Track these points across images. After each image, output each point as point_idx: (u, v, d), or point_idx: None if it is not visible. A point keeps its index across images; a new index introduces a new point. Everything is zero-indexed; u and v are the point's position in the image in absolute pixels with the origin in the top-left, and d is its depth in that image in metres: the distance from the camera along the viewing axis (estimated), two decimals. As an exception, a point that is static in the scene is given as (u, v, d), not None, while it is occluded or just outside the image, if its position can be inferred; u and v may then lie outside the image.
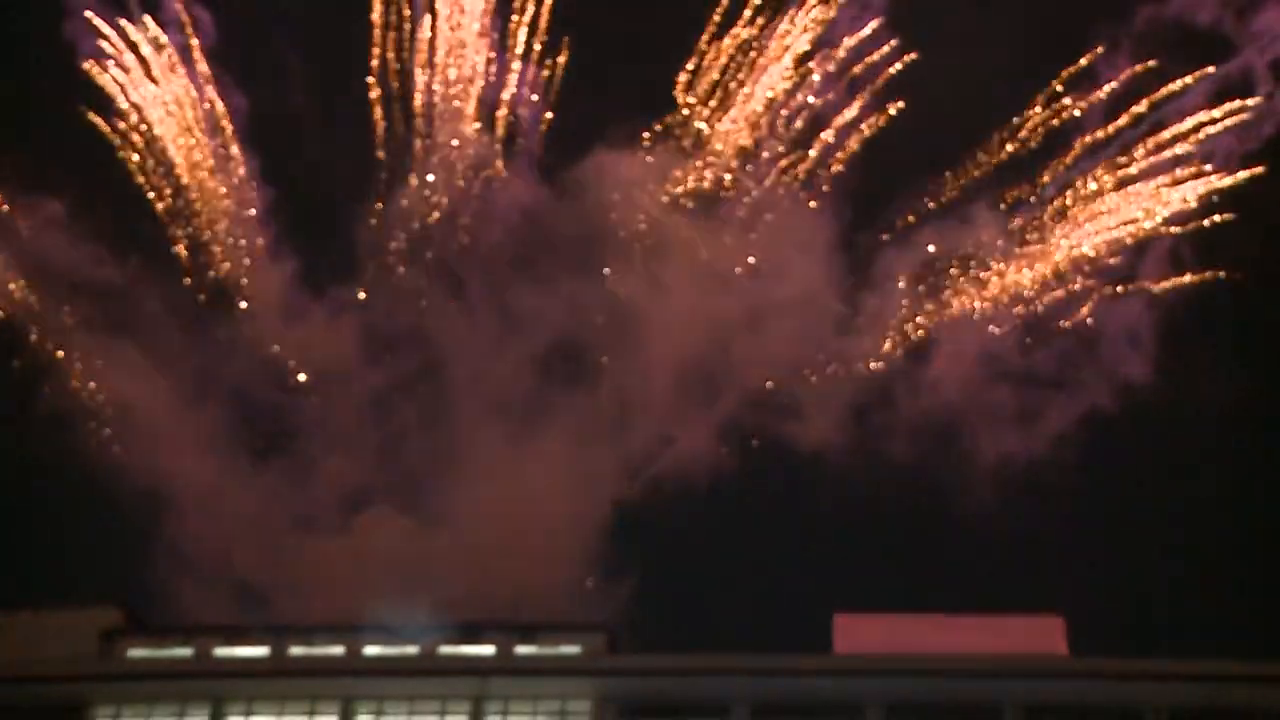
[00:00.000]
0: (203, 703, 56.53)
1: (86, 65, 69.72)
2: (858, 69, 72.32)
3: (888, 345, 72.42)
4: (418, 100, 72.22)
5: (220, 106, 72.26)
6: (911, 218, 72.90)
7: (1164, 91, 70.71)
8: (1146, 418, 72.82)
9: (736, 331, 74.40)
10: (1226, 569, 72.69)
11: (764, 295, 73.91)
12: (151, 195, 71.75)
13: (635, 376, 74.12)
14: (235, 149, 72.72)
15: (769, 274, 74.08)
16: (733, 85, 72.38)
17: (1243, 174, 70.15)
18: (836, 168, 73.00)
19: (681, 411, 74.34)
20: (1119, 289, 71.88)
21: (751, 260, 73.80)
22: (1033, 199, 72.60)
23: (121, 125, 70.89)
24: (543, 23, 71.95)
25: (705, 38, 71.85)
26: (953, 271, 72.51)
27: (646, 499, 71.95)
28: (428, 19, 71.84)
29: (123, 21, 70.65)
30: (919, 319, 72.27)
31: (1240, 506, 74.05)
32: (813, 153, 73.00)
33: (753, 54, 72.22)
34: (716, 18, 71.82)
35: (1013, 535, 72.18)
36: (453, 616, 61.72)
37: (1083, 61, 71.51)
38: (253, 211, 72.78)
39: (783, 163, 73.10)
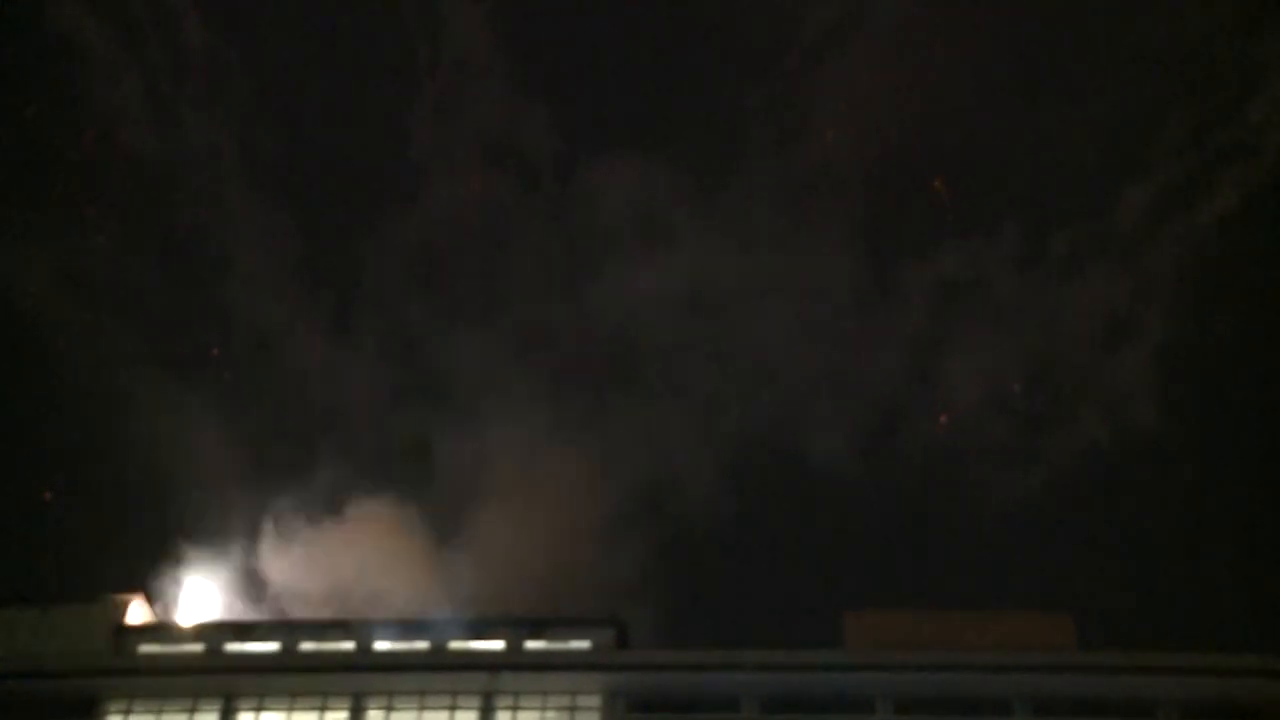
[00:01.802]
0: (214, 698, 56.54)
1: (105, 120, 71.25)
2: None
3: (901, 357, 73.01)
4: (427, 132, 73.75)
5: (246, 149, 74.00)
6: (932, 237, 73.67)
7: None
8: (1157, 415, 73.06)
9: (753, 338, 74.96)
10: (1236, 563, 72.80)
11: (781, 303, 74.53)
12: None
13: (651, 381, 74.37)
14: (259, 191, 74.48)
15: (787, 281, 74.67)
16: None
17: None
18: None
19: (695, 414, 74.68)
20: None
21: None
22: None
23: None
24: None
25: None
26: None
27: (659, 498, 72.09)
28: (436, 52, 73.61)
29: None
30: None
31: (1250, 501, 74.09)
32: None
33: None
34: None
35: (1022, 532, 72.42)
36: (463, 612, 61.97)
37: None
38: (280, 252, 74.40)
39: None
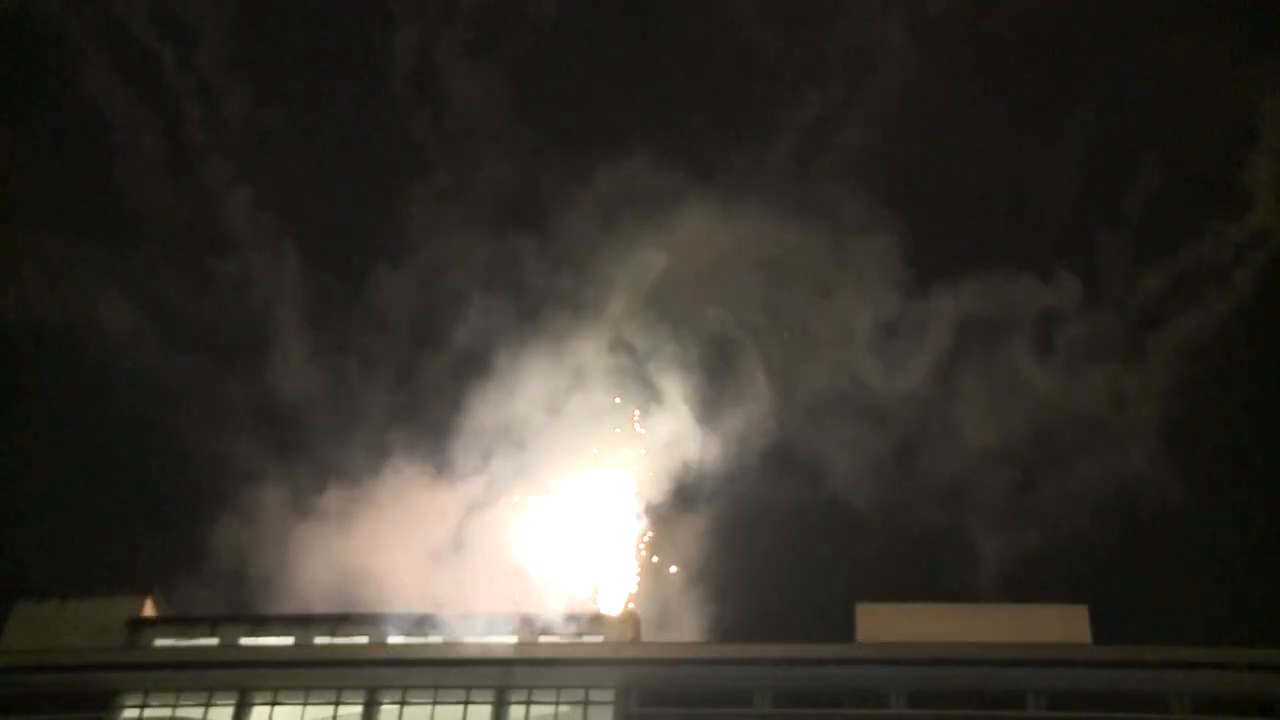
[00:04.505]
0: (229, 692, 56.79)
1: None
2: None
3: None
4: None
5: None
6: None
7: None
8: (1170, 405, 72.96)
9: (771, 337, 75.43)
10: (1249, 556, 72.59)
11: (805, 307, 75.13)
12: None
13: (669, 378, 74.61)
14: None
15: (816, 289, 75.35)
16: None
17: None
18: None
19: (707, 410, 74.82)
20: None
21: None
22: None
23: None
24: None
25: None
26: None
27: (674, 491, 72.12)
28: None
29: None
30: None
31: (1263, 491, 73.87)
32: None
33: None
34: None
35: (1036, 524, 72.31)
36: (477, 607, 62.01)
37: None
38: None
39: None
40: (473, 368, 72.37)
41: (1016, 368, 74.45)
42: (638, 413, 71.62)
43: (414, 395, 74.24)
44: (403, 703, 56.33)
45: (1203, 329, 72.58)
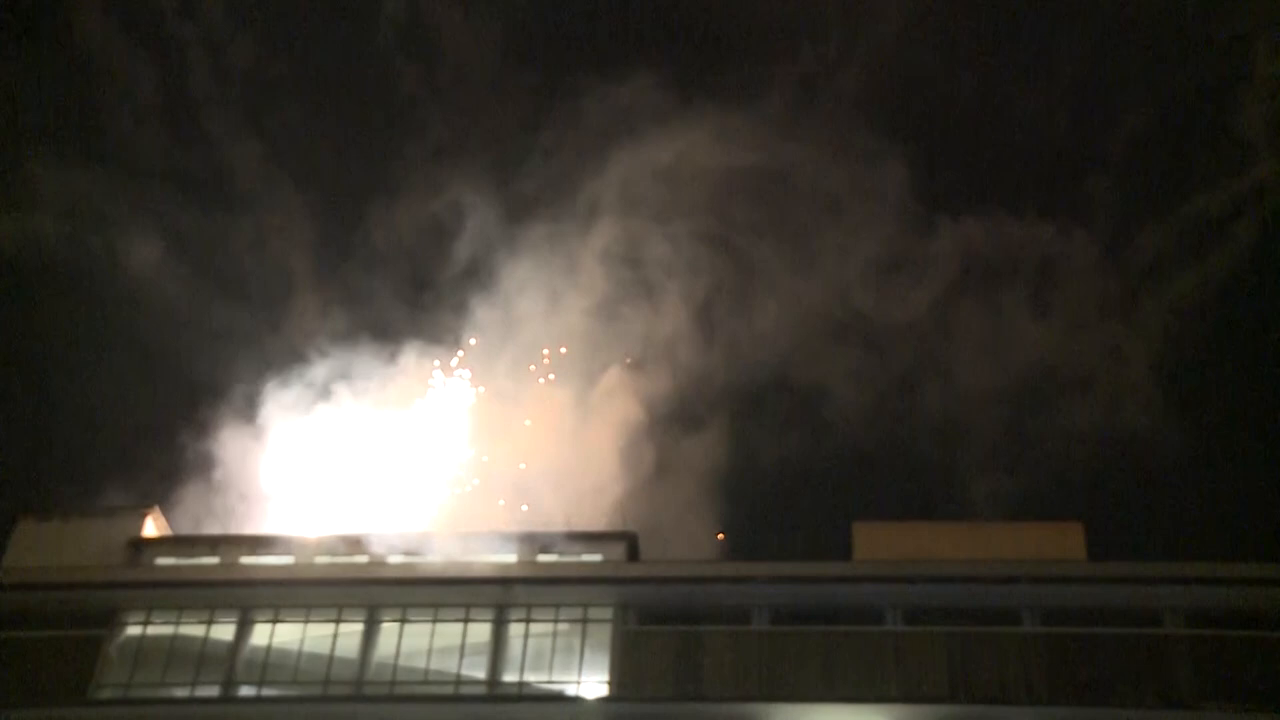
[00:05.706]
0: (231, 610, 57.14)
1: None
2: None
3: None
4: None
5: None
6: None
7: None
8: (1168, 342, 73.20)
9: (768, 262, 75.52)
10: (1247, 470, 72.76)
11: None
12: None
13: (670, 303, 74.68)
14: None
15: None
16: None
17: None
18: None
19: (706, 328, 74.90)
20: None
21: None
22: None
23: None
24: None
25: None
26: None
27: (670, 410, 72.30)
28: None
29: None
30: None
31: (1261, 408, 73.98)
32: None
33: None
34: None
35: (1032, 441, 72.59)
36: (477, 525, 62.32)
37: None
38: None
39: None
40: (475, 281, 72.63)
41: (1014, 304, 74.66)
42: (629, 360, 71.98)
43: (416, 309, 74.54)
44: (403, 620, 56.61)
45: (1203, 267, 72.52)
